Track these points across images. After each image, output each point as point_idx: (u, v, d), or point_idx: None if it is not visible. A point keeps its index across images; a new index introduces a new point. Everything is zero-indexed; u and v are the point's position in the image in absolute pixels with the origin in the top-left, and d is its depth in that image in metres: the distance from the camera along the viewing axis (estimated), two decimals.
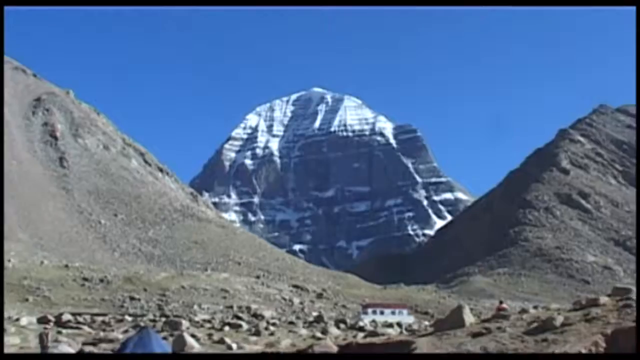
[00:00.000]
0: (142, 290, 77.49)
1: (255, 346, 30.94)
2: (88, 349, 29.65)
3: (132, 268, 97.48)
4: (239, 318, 57.38)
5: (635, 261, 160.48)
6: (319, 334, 39.99)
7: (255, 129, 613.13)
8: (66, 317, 48.17)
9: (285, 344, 28.93)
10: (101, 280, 79.53)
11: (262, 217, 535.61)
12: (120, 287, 77.71)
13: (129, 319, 52.01)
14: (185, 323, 44.04)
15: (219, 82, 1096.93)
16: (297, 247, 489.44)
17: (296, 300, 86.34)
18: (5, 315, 45.30)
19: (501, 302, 25.77)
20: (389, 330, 43.09)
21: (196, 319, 52.85)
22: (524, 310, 19.82)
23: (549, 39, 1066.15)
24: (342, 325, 51.50)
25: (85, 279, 79.28)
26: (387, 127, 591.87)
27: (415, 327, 54.37)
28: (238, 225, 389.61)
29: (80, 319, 49.73)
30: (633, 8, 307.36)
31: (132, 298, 72.68)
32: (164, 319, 50.21)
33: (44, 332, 27.13)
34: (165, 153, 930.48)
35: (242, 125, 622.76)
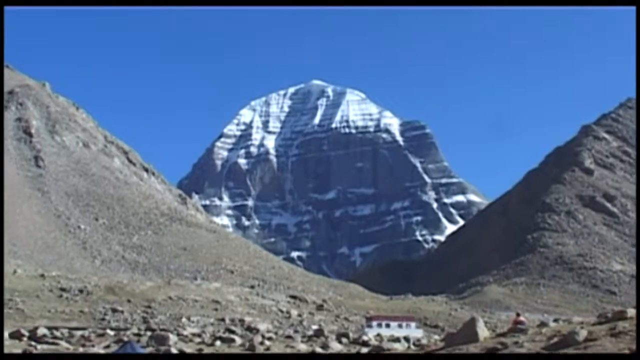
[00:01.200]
0: (125, 301, 77.43)
1: None
2: None
3: (114, 277, 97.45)
4: (232, 332, 57.32)
5: (636, 263, 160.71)
6: (318, 349, 39.99)
7: (249, 125, 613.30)
8: (42, 331, 48.10)
9: None
10: (80, 291, 79.48)
11: (257, 222, 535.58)
12: (102, 298, 77.65)
13: (111, 333, 51.94)
14: (172, 337, 43.99)
15: (209, 75, 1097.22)
16: (295, 254, 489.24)
17: (294, 312, 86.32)
18: None
19: (518, 315, 25.77)
20: (396, 345, 43.07)
21: (185, 332, 52.80)
22: (543, 324, 19.76)
23: (570, 29, 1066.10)
24: (344, 340, 51.42)
25: (62, 290, 79.22)
26: (393, 123, 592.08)
27: (424, 341, 54.20)
28: (231, 230, 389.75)
29: (57, 333, 49.67)
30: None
31: (114, 310, 72.63)
32: (149, 333, 50.16)
33: (27, 351, 27.13)
34: (151, 151, 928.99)
35: (235, 121, 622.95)
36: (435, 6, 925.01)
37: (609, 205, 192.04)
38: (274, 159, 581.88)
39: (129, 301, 77.59)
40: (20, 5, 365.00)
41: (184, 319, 70.63)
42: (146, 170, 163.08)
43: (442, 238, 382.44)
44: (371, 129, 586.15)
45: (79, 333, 51.01)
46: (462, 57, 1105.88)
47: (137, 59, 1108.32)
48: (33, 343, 34.43)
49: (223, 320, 71.36)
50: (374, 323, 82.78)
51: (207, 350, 38.67)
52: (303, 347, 42.86)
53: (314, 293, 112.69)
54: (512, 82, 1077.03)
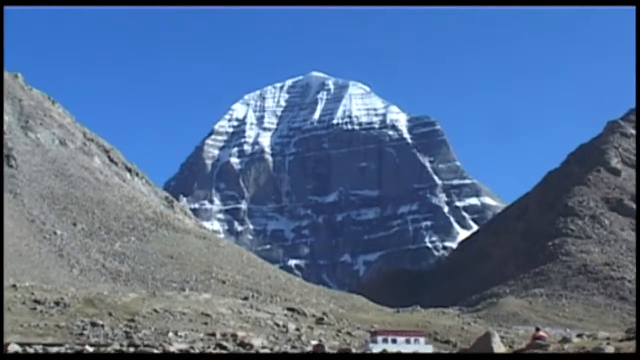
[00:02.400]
0: (106, 315, 77.35)
1: None
2: None
3: (94, 288, 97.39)
4: (223, 348, 57.23)
5: (636, 266, 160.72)
6: None
7: (242, 122, 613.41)
8: (13, 348, 47.99)
9: None
10: (57, 304, 79.39)
11: (251, 227, 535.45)
12: (80, 312, 77.55)
13: (91, 349, 51.85)
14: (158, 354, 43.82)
15: (198, 66, 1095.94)
16: (292, 262, 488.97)
17: (292, 327, 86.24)
18: None
19: (538, 330, 25.67)
20: None
21: (172, 349, 52.73)
22: (565, 340, 19.68)
23: (594, 25, 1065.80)
24: None
25: (37, 302, 79.13)
26: (400, 119, 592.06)
27: None
28: (222, 236, 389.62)
29: (30, 350, 49.55)
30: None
31: (94, 324, 72.56)
32: (132, 350, 50.06)
33: None
34: (135, 150, 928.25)
35: (227, 117, 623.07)
36: (439, 6, 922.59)
37: (638, 209, 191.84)
38: (270, 159, 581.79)
39: (110, 315, 77.49)
40: (20, 5, 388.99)
41: (170, 334, 70.55)
42: (129, 170, 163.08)
43: (454, 245, 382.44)
44: (376, 126, 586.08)
45: (54, 350, 50.91)
46: (477, 49, 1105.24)
47: (120, 50, 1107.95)
48: None
49: (214, 335, 71.29)
50: (380, 338, 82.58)
51: None
52: None
53: (313, 305, 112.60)
54: (531, 76, 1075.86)
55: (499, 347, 16.95)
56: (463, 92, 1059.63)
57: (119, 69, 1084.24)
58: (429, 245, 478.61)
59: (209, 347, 58.49)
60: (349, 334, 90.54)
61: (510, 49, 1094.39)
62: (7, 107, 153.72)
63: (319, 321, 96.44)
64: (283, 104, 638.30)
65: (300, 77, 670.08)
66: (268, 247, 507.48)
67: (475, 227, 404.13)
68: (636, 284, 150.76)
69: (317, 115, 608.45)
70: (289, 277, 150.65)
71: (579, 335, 42.32)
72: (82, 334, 68.69)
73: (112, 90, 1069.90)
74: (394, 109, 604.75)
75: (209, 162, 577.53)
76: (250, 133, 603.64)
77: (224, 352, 49.26)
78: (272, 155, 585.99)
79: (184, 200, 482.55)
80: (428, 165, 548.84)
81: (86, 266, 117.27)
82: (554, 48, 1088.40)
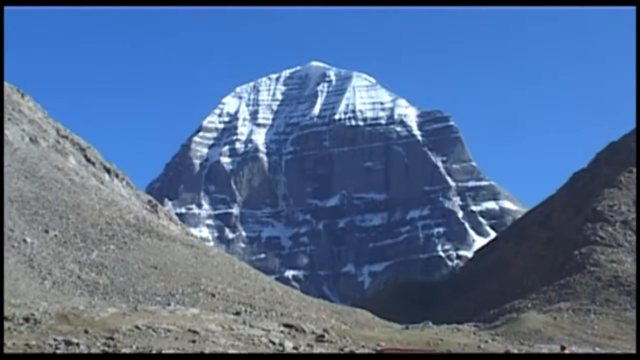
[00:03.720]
0: (82, 332, 76.96)
1: None
2: None
3: (68, 302, 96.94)
4: None
5: (636, 271, 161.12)
6: None
7: (234, 116, 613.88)
8: None
9: None
10: (26, 319, 78.98)
11: (244, 234, 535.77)
12: (53, 328, 77.18)
13: None
14: None
15: (184, 55, 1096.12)
16: (290, 273, 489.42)
17: (289, 345, 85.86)
18: None
19: (563, 348, 25.46)
20: None
21: None
22: None
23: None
24: None
25: (4, 318, 78.78)
26: (409, 113, 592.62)
27: None
28: (211, 244, 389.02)
29: None
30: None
31: (68, 343, 72.18)
32: None
33: None
34: (114, 148, 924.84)
35: (217, 111, 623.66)
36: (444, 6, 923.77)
37: None
38: (265, 158, 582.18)
39: (86, 332, 77.08)
40: (20, 5, 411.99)
41: (154, 353, 70.17)
42: (108, 171, 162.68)
43: (469, 254, 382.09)
44: (383, 121, 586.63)
45: None
46: (493, 38, 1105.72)
47: (97, 38, 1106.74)
48: None
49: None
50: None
51: None
52: None
53: (313, 321, 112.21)
54: (555, 70, 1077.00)
55: None
56: (479, 84, 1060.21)
57: (96, 58, 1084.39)
58: (442, 253, 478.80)
59: None
60: (352, 352, 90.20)
61: (533, 41, 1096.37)
62: None
63: (319, 338, 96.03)
64: (279, 96, 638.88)
65: (298, 67, 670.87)
66: (262, 256, 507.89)
67: (492, 234, 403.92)
68: (636, 287, 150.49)
69: (316, 110, 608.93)
70: (286, 289, 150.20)
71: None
72: (54, 354, 68.33)
73: (88, 82, 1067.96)
74: (403, 102, 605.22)
75: (196, 162, 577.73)
76: (243, 129, 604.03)
77: None
78: (267, 154, 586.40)
79: (169, 204, 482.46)
80: (440, 165, 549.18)
81: (59, 277, 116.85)
82: (580, 43, 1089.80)
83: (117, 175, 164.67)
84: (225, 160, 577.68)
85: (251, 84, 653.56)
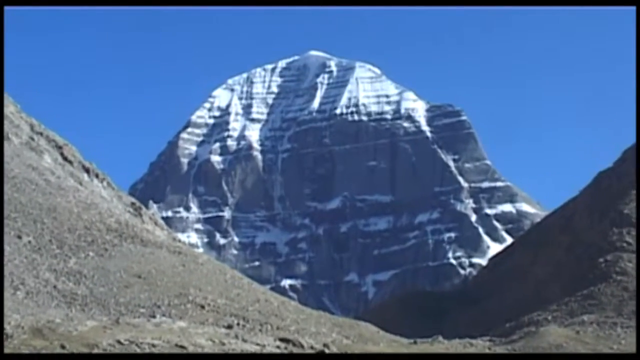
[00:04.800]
0: (58, 347, 76.89)
1: None
2: None
3: (43, 315, 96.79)
4: None
5: (636, 274, 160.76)
6: None
7: (225, 111, 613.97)
8: None
9: None
10: None
11: (236, 239, 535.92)
12: (25, 343, 77.09)
13: None
14: None
15: (170, 43, 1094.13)
16: (286, 282, 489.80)
17: None
18: None
19: None
20: None
21: None
22: None
23: None
24: None
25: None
26: (417, 107, 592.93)
27: None
28: (201, 250, 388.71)
29: None
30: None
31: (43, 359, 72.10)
32: None
33: None
34: (94, 146, 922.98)
35: (207, 105, 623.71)
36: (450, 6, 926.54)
37: None
38: (259, 156, 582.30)
39: (62, 347, 77.03)
40: (20, 5, 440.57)
41: None
42: (87, 170, 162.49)
43: (483, 261, 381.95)
44: (388, 116, 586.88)
45: None
46: (509, 26, 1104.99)
47: (74, 24, 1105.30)
48: None
49: None
50: None
51: None
52: None
53: (311, 335, 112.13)
54: (576, 61, 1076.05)
55: None
56: (494, 76, 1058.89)
57: (73, 48, 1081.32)
58: (453, 261, 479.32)
59: None
60: None
61: (553, 30, 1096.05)
62: None
63: (319, 354, 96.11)
64: (274, 89, 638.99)
65: (296, 57, 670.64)
66: (257, 263, 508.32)
67: (509, 240, 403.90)
68: (636, 288, 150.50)
69: (316, 104, 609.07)
70: (282, 300, 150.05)
71: None
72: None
73: (65, 74, 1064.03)
74: (410, 95, 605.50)
75: (184, 161, 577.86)
76: (235, 125, 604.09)
77: None
78: (262, 152, 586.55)
79: (154, 206, 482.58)
80: (451, 164, 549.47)
81: (33, 287, 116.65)
82: (606, 33, 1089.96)
83: (97, 176, 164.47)
84: (216, 158, 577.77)
85: (244, 75, 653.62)
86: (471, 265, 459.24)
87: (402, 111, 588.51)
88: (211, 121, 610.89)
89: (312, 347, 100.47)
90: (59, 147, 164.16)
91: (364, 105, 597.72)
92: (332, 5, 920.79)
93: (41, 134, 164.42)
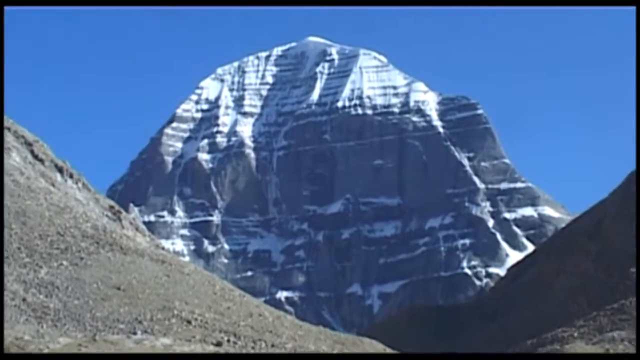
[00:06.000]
0: None
1: None
2: None
3: (11, 330, 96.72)
4: None
5: (635, 278, 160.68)
6: None
7: (214, 104, 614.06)
8: None
9: None
10: None
11: (226, 247, 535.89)
12: None
13: None
14: None
15: (153, 27, 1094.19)
16: (282, 294, 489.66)
17: None
18: None
19: None
20: None
21: None
22: None
23: None
24: None
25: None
26: (428, 100, 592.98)
27: None
28: (187, 259, 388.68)
29: None
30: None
31: None
32: None
33: None
34: (67, 143, 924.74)
35: (194, 97, 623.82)
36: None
37: None
38: (252, 154, 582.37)
39: None
40: (20, 5, 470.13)
41: None
42: (60, 170, 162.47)
43: (501, 271, 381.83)
44: (396, 109, 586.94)
45: None
46: (529, 11, 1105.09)
47: (46, 9, 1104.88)
48: None
49: None
50: None
51: None
52: None
53: (311, 352, 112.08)
54: (603, 49, 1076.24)
55: None
56: (514, 65, 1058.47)
57: (47, 33, 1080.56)
58: (468, 271, 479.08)
59: None
60: None
61: (575, 21, 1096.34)
62: None
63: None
64: (269, 79, 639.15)
65: (293, 44, 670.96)
66: (249, 273, 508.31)
67: (530, 247, 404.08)
68: (636, 289, 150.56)
69: (315, 96, 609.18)
70: (278, 314, 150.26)
71: None
72: (54, 354, 68.43)
73: (36, 63, 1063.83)
74: (420, 86, 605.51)
75: (168, 159, 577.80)
76: (225, 119, 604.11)
77: None
78: (255, 149, 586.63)
79: (135, 210, 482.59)
80: (466, 162, 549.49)
81: None
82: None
83: (71, 176, 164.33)
84: (204, 156, 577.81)
85: (235, 64, 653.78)
86: (488, 275, 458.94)
87: (411, 104, 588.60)
88: (198, 115, 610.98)
89: None
90: (29, 144, 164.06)
91: (368, 97, 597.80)
92: None
93: (9, 129, 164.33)
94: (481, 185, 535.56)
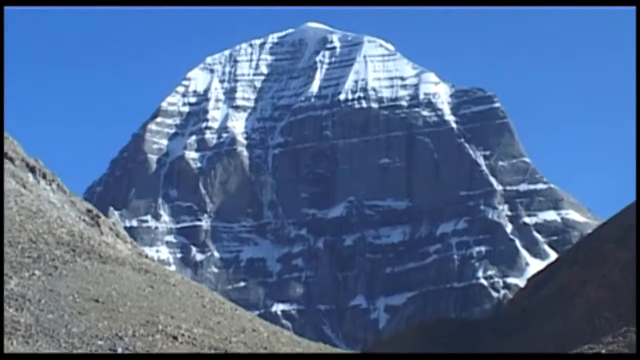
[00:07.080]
0: None
1: None
2: None
3: None
4: None
5: (636, 281, 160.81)
6: None
7: (203, 96, 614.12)
8: None
9: None
10: None
11: (217, 255, 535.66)
12: None
13: None
14: None
15: (135, 14, 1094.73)
16: (279, 307, 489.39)
17: None
18: None
19: None
20: None
21: None
22: None
23: None
24: None
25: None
26: (440, 92, 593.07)
27: None
28: (173, 268, 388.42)
29: None
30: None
31: None
32: None
33: None
34: (41, 140, 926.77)
35: (180, 89, 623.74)
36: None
37: None
38: (245, 152, 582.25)
39: None
40: (20, 5, 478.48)
41: None
42: (32, 170, 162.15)
43: (520, 282, 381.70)
44: (404, 102, 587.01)
45: None
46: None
47: None
48: None
49: None
50: None
51: None
52: None
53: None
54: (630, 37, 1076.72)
55: None
56: (533, 54, 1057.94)
57: (20, 21, 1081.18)
58: (484, 281, 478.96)
59: None
60: None
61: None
62: None
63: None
64: (264, 70, 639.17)
65: (290, 30, 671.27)
66: (242, 284, 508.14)
67: (552, 255, 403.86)
68: (636, 292, 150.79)
69: (315, 87, 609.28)
70: (274, 329, 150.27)
71: None
72: (55, 354, 68.30)
73: (7, 53, 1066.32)
74: (431, 76, 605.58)
75: (152, 158, 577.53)
76: (215, 113, 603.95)
77: None
78: (248, 146, 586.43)
79: (116, 214, 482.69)
80: (482, 161, 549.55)
81: None
82: None
83: (44, 176, 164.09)
84: (192, 155, 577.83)
85: (226, 52, 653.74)
86: (506, 286, 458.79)
87: (421, 97, 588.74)
88: (185, 109, 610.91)
89: None
90: None
91: (373, 89, 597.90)
92: None
93: None
94: (498, 187, 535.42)
